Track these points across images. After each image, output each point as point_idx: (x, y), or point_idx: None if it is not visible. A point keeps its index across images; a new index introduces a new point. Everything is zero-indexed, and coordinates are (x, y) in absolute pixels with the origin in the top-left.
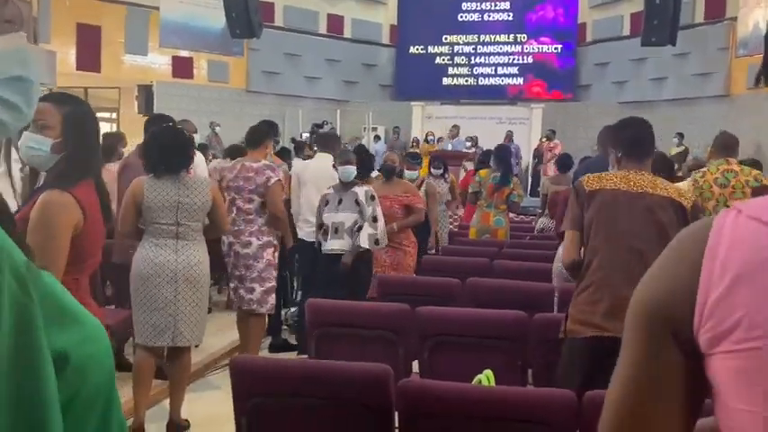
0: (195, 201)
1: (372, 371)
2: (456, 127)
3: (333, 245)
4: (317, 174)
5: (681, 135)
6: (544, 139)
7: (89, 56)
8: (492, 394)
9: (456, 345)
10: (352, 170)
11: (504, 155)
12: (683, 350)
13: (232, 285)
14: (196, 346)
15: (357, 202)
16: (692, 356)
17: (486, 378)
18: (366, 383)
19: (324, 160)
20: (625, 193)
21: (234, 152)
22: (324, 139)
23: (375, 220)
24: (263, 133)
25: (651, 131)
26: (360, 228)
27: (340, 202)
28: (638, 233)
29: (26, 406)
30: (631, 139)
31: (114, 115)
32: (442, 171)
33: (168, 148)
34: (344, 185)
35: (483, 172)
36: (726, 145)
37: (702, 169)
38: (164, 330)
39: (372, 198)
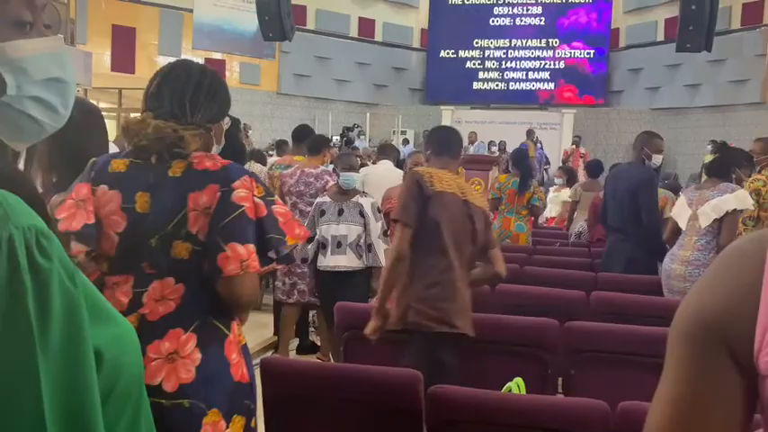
0: None
1: (402, 376)
2: (473, 133)
3: (337, 261)
4: (380, 179)
5: (715, 142)
6: (573, 146)
7: (124, 57)
8: (523, 402)
9: (486, 351)
10: (354, 177)
11: (520, 159)
12: (738, 368)
13: (290, 281)
14: None
15: (362, 214)
16: (746, 375)
17: (516, 386)
18: (396, 388)
19: (386, 165)
20: (455, 196)
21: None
22: (383, 148)
23: (386, 234)
24: (323, 142)
25: (459, 137)
26: (369, 244)
27: (340, 212)
28: (464, 239)
29: (73, 392)
30: (440, 139)
31: None
32: None
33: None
34: (344, 194)
35: (502, 177)
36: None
37: (762, 177)
38: None
39: (379, 210)
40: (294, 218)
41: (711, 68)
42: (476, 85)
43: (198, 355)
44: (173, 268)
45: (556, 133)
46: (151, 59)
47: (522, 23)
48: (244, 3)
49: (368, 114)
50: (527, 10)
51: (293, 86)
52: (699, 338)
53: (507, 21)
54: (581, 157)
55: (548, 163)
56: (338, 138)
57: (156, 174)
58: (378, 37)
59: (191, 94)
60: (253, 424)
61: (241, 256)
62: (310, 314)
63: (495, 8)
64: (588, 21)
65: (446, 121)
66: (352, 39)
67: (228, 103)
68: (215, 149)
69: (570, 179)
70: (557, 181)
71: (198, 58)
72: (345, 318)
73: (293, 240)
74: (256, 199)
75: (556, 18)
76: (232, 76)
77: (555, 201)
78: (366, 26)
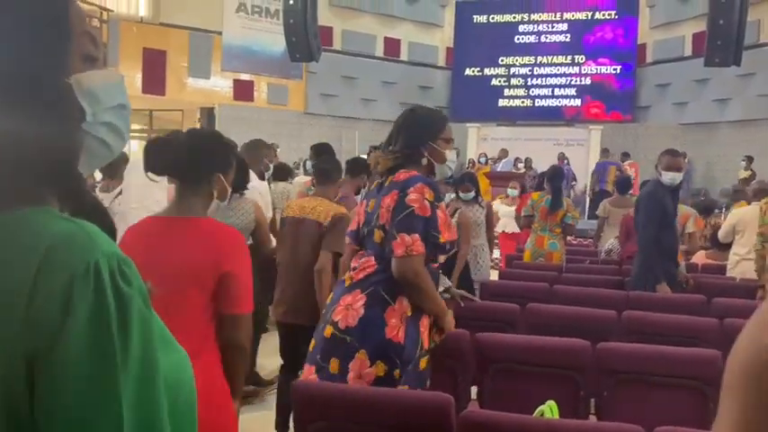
0: (239, 222)
1: (434, 399)
2: (504, 150)
3: None
4: None
5: (750, 158)
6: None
7: (154, 79)
8: (556, 427)
9: (517, 373)
10: None
11: (553, 176)
12: None
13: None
14: (253, 366)
15: None
16: None
17: (549, 409)
18: (428, 412)
19: None
20: (293, 218)
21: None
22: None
23: None
24: (362, 166)
25: (338, 164)
26: None
27: None
28: (301, 250)
29: (147, 411)
30: (318, 169)
31: None
32: (474, 194)
33: None
34: None
35: (535, 195)
36: None
37: None
38: None
39: None
40: (450, 222)
41: (740, 82)
42: (501, 103)
43: (362, 311)
44: (374, 249)
45: (583, 149)
46: (181, 81)
47: (548, 40)
48: (271, 25)
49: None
50: (552, 27)
51: (320, 106)
52: (763, 382)
53: (533, 38)
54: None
55: (574, 179)
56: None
57: (379, 185)
58: (403, 56)
59: (394, 131)
60: (396, 374)
61: (406, 242)
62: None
63: (521, 26)
64: (614, 36)
65: (472, 139)
66: (377, 58)
67: (418, 133)
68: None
69: (523, 191)
70: (509, 192)
71: (226, 79)
72: None
73: (444, 239)
74: (426, 202)
75: (582, 34)
76: (260, 96)
77: (510, 215)
78: (392, 46)
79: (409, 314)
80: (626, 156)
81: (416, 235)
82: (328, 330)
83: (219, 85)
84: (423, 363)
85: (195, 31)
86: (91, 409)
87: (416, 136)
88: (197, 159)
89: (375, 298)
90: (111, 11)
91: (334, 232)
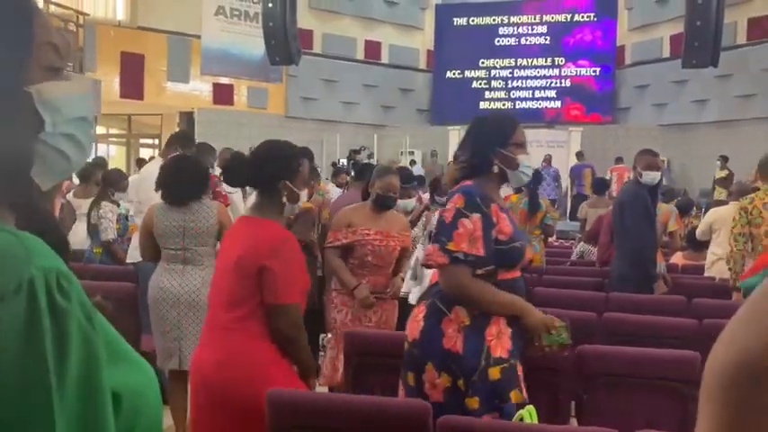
0: (200, 225)
1: (412, 407)
2: None
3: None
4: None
5: (724, 158)
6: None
7: (132, 83)
8: None
9: None
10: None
11: (532, 179)
12: None
13: None
14: None
15: None
16: None
17: (528, 414)
18: (406, 419)
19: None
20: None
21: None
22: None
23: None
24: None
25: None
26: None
27: None
28: None
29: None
30: None
31: (156, 141)
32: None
33: (176, 177)
34: None
35: (514, 197)
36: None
37: (750, 195)
38: (171, 354)
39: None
40: (472, 234)
41: (718, 84)
42: (483, 105)
43: (422, 323)
44: None
45: (563, 151)
46: (159, 85)
47: (528, 42)
48: (251, 28)
49: (375, 136)
50: (532, 29)
51: (301, 109)
52: (744, 386)
53: (512, 40)
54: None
55: (559, 181)
56: (346, 160)
57: None
58: (384, 59)
59: (464, 140)
60: (459, 385)
61: (428, 252)
62: (320, 337)
63: (501, 28)
64: (593, 39)
65: (453, 142)
66: (358, 61)
67: (486, 141)
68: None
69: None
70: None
71: (206, 83)
72: (353, 345)
73: (455, 248)
74: (453, 210)
75: (561, 37)
76: (240, 100)
77: None
78: (372, 48)
79: (467, 323)
80: (619, 160)
81: (437, 244)
82: (405, 344)
83: (199, 88)
84: (493, 373)
85: (173, 35)
86: None
87: (483, 143)
88: (263, 170)
89: (433, 309)
90: (88, 14)
91: (298, 223)
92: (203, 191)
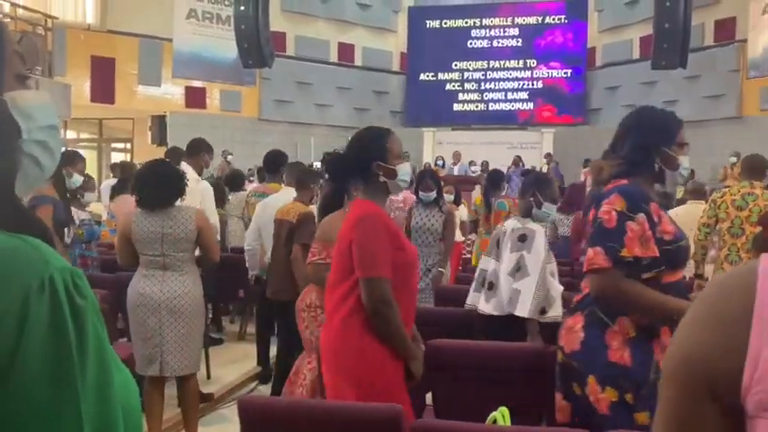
0: (179, 231)
1: (384, 411)
2: (457, 153)
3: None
4: None
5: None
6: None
7: (103, 87)
8: None
9: (471, 379)
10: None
11: (487, 180)
12: (725, 409)
13: None
14: (208, 378)
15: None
16: (734, 415)
17: (500, 416)
18: (378, 424)
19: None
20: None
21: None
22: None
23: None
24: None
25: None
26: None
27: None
28: None
29: (104, 427)
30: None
31: (128, 145)
32: (435, 195)
33: (152, 182)
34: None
35: (478, 199)
36: (752, 167)
37: (723, 189)
38: (152, 360)
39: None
40: (642, 236)
41: (687, 85)
42: (456, 107)
43: (582, 334)
44: None
45: (536, 152)
46: (131, 89)
47: (500, 45)
48: (223, 31)
49: (349, 138)
50: (504, 32)
51: (274, 112)
52: (684, 380)
53: (485, 43)
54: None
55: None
56: (319, 164)
57: None
58: (358, 61)
59: (620, 134)
60: (627, 399)
61: (589, 257)
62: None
63: (473, 30)
64: (564, 41)
65: (428, 144)
66: (332, 64)
67: (651, 137)
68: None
69: (457, 197)
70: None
71: (178, 86)
72: None
73: (629, 253)
74: (614, 213)
75: (532, 39)
76: (212, 103)
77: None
78: (346, 51)
79: (633, 335)
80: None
81: (599, 248)
82: (559, 355)
83: (171, 92)
84: None
85: (144, 38)
86: (52, 425)
87: (648, 140)
88: (356, 159)
89: (593, 319)
90: (57, 18)
91: (301, 228)
92: (179, 195)
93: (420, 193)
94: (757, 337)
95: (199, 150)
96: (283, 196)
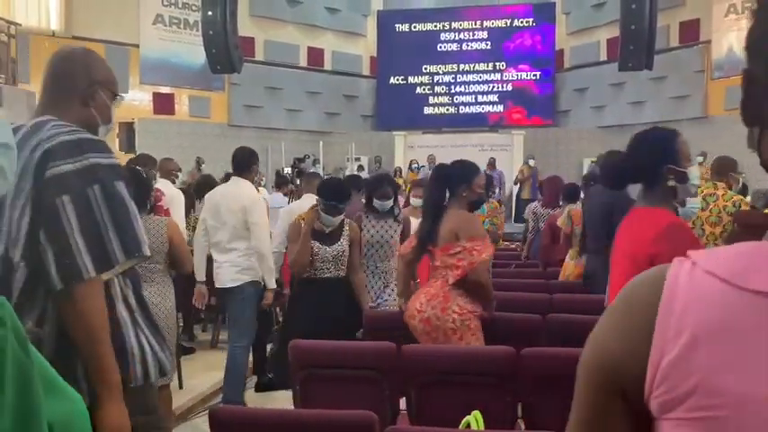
0: (150, 243)
1: (357, 418)
2: (432, 156)
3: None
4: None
5: None
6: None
7: None
8: None
9: (444, 383)
10: None
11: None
12: (632, 411)
13: None
14: (180, 388)
15: None
16: (642, 418)
17: (474, 420)
18: (353, 430)
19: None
20: None
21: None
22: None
23: None
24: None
25: None
26: None
27: None
28: None
29: None
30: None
31: None
32: (392, 204)
33: None
34: None
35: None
36: (720, 169)
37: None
38: None
39: None
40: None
41: (654, 86)
42: (427, 110)
43: None
44: None
45: (508, 154)
46: None
47: (469, 48)
48: (191, 36)
49: (321, 143)
50: (473, 35)
51: (244, 117)
52: (595, 379)
53: (454, 46)
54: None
55: (503, 183)
56: (290, 169)
57: None
58: (327, 66)
59: None
60: None
61: None
62: (268, 348)
63: (442, 34)
64: (533, 43)
65: (399, 147)
66: (301, 68)
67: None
68: None
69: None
70: (413, 202)
71: (146, 92)
72: (301, 356)
73: None
74: None
75: (501, 42)
76: (181, 109)
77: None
78: (315, 55)
79: None
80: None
81: None
82: None
83: (138, 98)
84: None
85: (111, 44)
86: None
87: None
88: (640, 162)
89: None
90: (20, 24)
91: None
92: (146, 202)
93: (375, 201)
94: (660, 339)
95: (249, 164)
96: (305, 203)
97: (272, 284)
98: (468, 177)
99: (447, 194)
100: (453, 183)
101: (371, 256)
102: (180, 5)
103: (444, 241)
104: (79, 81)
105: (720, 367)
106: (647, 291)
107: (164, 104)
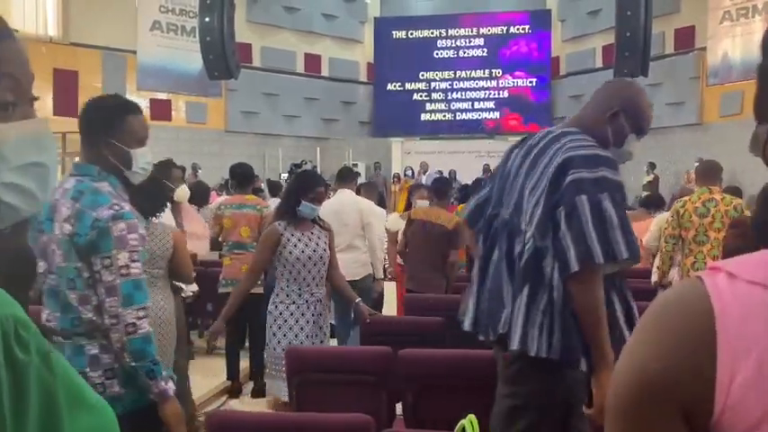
0: (155, 249)
1: (354, 422)
2: (424, 163)
3: None
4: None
5: (652, 164)
6: None
7: (66, 101)
8: None
9: (441, 388)
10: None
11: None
12: (694, 429)
13: None
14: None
15: None
16: None
17: (469, 424)
18: None
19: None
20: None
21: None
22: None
23: None
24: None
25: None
26: None
27: None
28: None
29: None
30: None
31: None
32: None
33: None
34: None
35: (460, 207)
36: (706, 173)
37: (684, 198)
38: None
39: None
40: None
41: (649, 92)
42: (423, 117)
43: None
44: None
45: None
46: None
47: (466, 55)
48: (188, 42)
49: (318, 149)
50: (470, 42)
51: (241, 123)
52: (646, 405)
53: (451, 53)
54: None
55: None
56: (287, 175)
57: None
58: (324, 72)
59: None
60: None
61: None
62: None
63: (439, 41)
64: (529, 50)
65: (396, 153)
66: (299, 75)
67: None
68: None
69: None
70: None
71: (143, 98)
72: (296, 362)
73: None
74: None
75: (498, 49)
76: (178, 115)
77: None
78: (312, 62)
79: None
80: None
81: None
82: None
83: None
84: None
85: (108, 51)
86: None
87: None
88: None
89: None
90: (17, 31)
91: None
92: (162, 209)
93: (303, 204)
94: (725, 364)
95: (352, 178)
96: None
97: None
98: None
99: None
100: None
101: (303, 279)
102: (177, 12)
103: None
104: None
105: None
106: (692, 307)
107: (161, 110)
